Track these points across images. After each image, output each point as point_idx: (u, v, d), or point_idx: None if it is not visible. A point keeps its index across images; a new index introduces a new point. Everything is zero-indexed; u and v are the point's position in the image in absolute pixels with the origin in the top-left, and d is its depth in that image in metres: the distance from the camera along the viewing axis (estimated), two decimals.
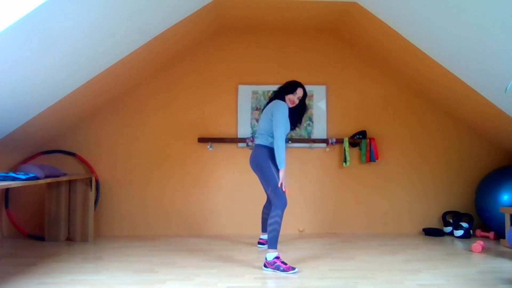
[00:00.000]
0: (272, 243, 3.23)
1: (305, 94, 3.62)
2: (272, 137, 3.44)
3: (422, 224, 4.80)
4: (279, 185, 3.31)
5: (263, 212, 4.03)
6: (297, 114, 3.67)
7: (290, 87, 3.57)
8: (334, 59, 4.88)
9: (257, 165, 3.47)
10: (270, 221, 3.27)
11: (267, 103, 3.65)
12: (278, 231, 3.25)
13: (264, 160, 3.42)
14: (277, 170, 3.36)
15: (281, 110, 3.41)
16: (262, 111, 3.68)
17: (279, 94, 3.58)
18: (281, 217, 3.27)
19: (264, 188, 3.57)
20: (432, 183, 4.85)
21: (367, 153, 4.75)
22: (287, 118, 3.47)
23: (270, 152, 3.45)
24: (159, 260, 3.51)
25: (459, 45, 3.49)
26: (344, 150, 4.72)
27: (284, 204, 3.30)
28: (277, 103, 3.48)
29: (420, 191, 4.84)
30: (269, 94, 4.71)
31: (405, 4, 3.45)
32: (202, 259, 3.54)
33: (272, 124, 3.42)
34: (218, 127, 4.76)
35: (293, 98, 3.55)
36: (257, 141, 3.56)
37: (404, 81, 4.88)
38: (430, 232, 4.63)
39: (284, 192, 3.33)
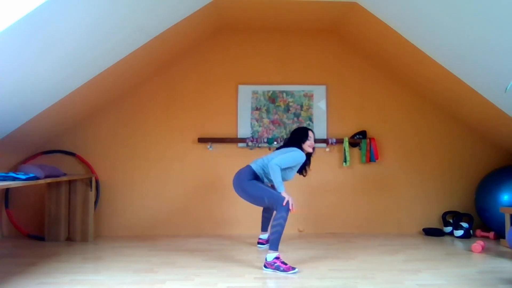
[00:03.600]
0: (273, 244, 3.23)
1: (314, 135, 3.67)
2: (267, 171, 3.48)
3: (422, 224, 4.80)
4: (290, 207, 3.26)
5: (263, 211, 4.04)
6: (308, 157, 3.68)
7: (303, 134, 3.60)
8: (334, 59, 4.88)
9: (240, 188, 3.50)
10: (274, 222, 3.27)
11: (282, 146, 3.68)
12: (280, 233, 3.24)
13: (243, 180, 3.47)
14: (261, 182, 3.43)
15: (296, 157, 3.42)
16: (276, 149, 3.68)
17: (293, 144, 3.57)
18: (285, 219, 3.25)
19: (261, 205, 3.60)
20: (432, 183, 4.85)
21: (367, 153, 4.75)
22: (295, 167, 3.50)
23: (254, 174, 3.50)
24: (159, 260, 3.51)
25: (459, 45, 3.49)
26: (344, 150, 4.72)
27: (287, 207, 3.27)
28: (296, 151, 3.46)
29: (420, 191, 4.84)
30: (269, 95, 4.74)
31: (405, 4, 3.45)
32: (202, 259, 3.54)
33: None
34: (218, 127, 4.76)
35: (311, 143, 3.60)
36: (251, 164, 3.59)
37: (404, 81, 4.88)
38: (430, 232, 4.63)
39: (282, 196, 3.31)
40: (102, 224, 4.61)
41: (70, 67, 3.39)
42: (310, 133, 3.62)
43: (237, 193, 3.57)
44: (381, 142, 4.84)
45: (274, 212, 3.35)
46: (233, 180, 3.57)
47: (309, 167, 3.75)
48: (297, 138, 3.61)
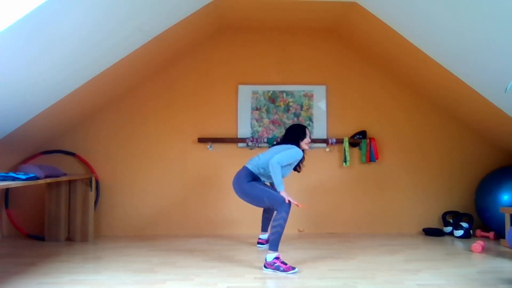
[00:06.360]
0: (273, 245, 3.22)
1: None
2: (265, 169, 3.47)
3: (422, 224, 4.80)
4: (287, 201, 3.25)
5: (263, 212, 4.04)
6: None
7: (301, 132, 3.59)
8: (334, 59, 4.88)
9: (240, 190, 3.49)
10: (273, 223, 3.27)
11: (277, 143, 3.68)
12: (280, 234, 3.23)
13: (243, 182, 3.45)
14: (259, 183, 3.41)
15: (294, 154, 3.42)
16: (270, 147, 3.69)
17: (291, 141, 3.56)
18: (285, 220, 3.23)
19: (261, 206, 3.59)
20: (432, 183, 4.85)
21: (367, 153, 4.75)
22: (293, 164, 3.49)
23: (252, 175, 3.49)
24: (159, 260, 3.51)
25: (459, 45, 3.49)
26: (344, 150, 4.72)
27: (287, 206, 3.24)
28: (294, 148, 3.46)
29: (420, 191, 4.84)
30: (269, 95, 4.74)
31: (405, 5, 3.45)
32: (202, 259, 3.54)
33: None
34: (218, 127, 4.76)
35: (308, 140, 3.60)
36: (247, 164, 3.58)
37: (404, 81, 4.88)
38: (430, 232, 4.63)
39: (282, 196, 3.29)
40: (102, 224, 4.61)
41: (70, 67, 3.39)
42: (307, 130, 3.63)
43: (238, 196, 3.56)
44: (381, 142, 4.84)
45: (275, 213, 3.34)
46: (233, 183, 3.56)
47: (303, 163, 3.72)
48: (295, 135, 3.59)
